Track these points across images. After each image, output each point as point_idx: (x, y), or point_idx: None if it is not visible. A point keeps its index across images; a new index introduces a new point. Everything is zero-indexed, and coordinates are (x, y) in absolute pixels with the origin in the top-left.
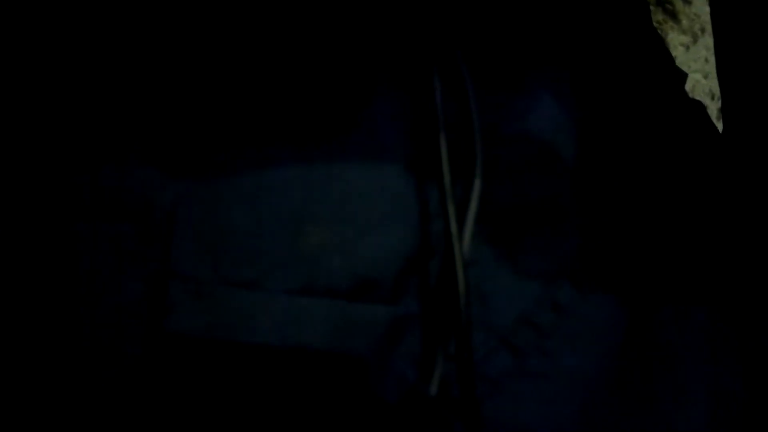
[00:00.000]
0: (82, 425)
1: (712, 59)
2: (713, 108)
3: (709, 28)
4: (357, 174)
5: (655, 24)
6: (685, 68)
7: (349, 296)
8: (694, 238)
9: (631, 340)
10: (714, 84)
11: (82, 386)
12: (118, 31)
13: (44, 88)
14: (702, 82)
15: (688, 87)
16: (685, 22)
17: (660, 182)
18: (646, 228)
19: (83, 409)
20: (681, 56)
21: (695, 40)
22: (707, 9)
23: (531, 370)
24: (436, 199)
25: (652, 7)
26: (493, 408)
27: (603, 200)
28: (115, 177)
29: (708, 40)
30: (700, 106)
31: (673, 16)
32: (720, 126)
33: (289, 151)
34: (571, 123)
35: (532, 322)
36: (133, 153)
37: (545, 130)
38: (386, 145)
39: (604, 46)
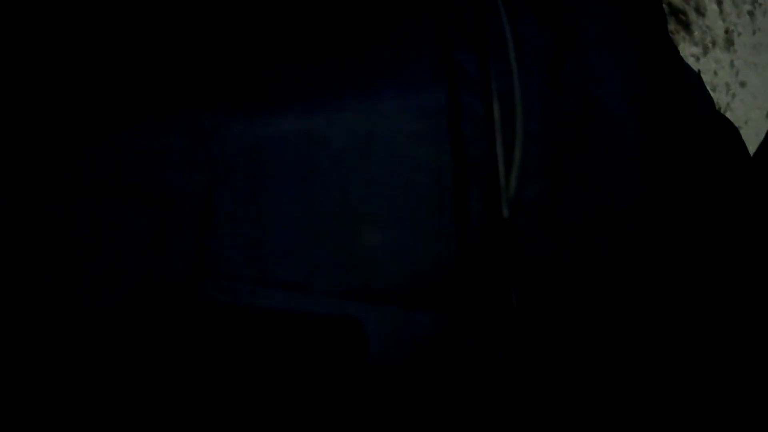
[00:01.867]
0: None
1: (722, 72)
2: None
3: (720, 41)
4: (415, 170)
5: None
6: None
7: (405, 303)
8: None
9: None
10: (722, 97)
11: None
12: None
13: (48, 59)
14: (710, 94)
15: None
16: (697, 33)
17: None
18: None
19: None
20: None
21: (706, 52)
22: (720, 23)
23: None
24: (490, 200)
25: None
26: None
27: (665, 204)
28: (127, 151)
29: (718, 54)
30: (723, 117)
31: (686, 26)
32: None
33: (347, 136)
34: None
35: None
36: (153, 119)
37: (613, 133)
38: (446, 143)
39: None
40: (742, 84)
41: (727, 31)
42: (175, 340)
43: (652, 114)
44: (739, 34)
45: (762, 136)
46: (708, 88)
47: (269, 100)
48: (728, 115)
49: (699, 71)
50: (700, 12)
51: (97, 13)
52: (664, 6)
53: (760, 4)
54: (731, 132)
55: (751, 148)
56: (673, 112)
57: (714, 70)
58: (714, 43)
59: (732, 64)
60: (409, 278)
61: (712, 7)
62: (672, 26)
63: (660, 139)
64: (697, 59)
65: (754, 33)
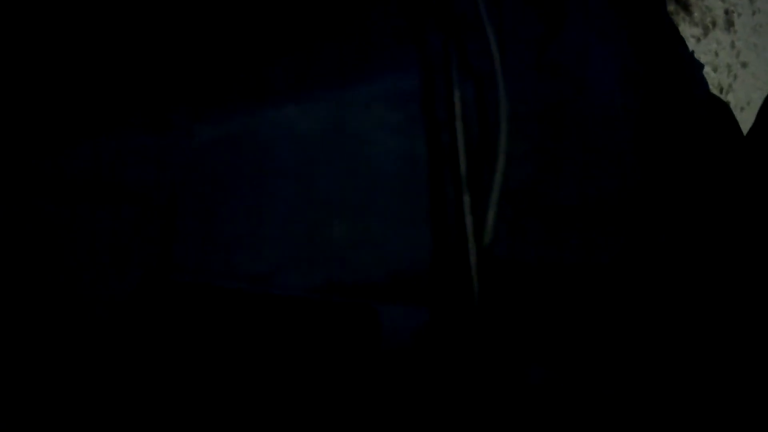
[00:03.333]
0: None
1: (723, 53)
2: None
3: (720, 21)
4: (386, 159)
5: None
6: None
7: (375, 295)
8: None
9: None
10: (723, 78)
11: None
12: None
13: (30, 59)
14: (711, 74)
15: None
16: (696, 14)
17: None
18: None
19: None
20: (691, 48)
21: (706, 33)
22: (720, 3)
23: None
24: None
25: None
26: None
27: (654, 198)
28: (107, 151)
29: (719, 34)
30: (719, 101)
31: (686, 7)
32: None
33: (314, 125)
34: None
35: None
36: (130, 120)
37: (603, 120)
38: (417, 130)
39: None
40: (744, 65)
41: (727, 12)
42: (187, 331)
43: (648, 97)
44: (739, 14)
45: None
46: (709, 69)
47: (236, 94)
48: (730, 96)
49: (693, 51)
50: None
51: (67, 18)
52: None
53: None
54: (727, 115)
55: None
56: (670, 96)
57: (715, 51)
58: (714, 23)
59: (733, 45)
60: (382, 271)
61: None
62: (671, 7)
63: (656, 124)
64: (698, 40)
65: (753, 14)
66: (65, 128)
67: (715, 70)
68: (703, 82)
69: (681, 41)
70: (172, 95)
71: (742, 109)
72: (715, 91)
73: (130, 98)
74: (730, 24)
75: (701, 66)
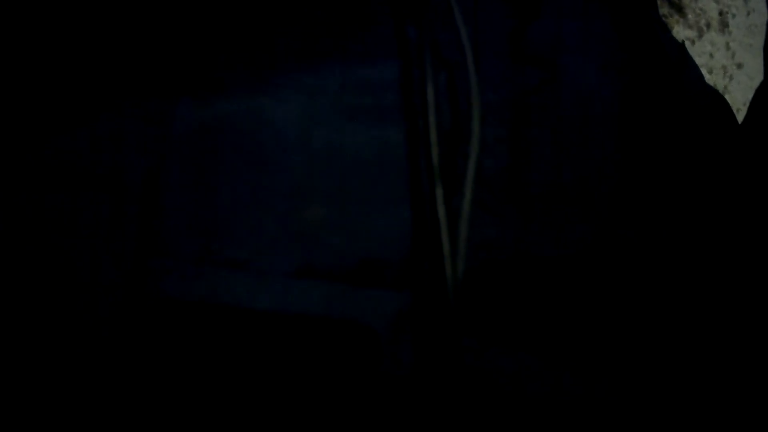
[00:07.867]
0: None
1: (717, 54)
2: None
3: (714, 23)
4: (360, 146)
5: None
6: None
7: (351, 280)
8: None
9: None
10: (719, 79)
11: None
12: None
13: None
14: (707, 76)
15: None
16: (691, 16)
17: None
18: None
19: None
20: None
21: (701, 35)
22: (714, 4)
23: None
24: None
25: (658, 0)
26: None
27: (632, 185)
28: (81, 139)
29: (713, 36)
30: (716, 94)
31: (679, 9)
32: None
33: (289, 113)
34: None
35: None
36: (110, 111)
37: (578, 104)
38: (392, 118)
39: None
40: (739, 66)
41: (721, 13)
42: (182, 349)
43: (631, 84)
44: (734, 15)
45: None
46: (704, 71)
47: (216, 82)
48: (726, 97)
49: (683, 42)
50: None
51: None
52: None
53: None
54: (724, 109)
55: None
56: (658, 85)
57: (710, 52)
58: (709, 25)
59: (728, 47)
60: (357, 255)
61: None
62: (665, 10)
63: (642, 112)
64: (693, 43)
65: (748, 14)
66: (47, 121)
67: (710, 72)
68: (698, 76)
69: (670, 37)
70: (152, 86)
71: (738, 110)
72: None
73: (112, 89)
74: (724, 25)
75: (692, 60)
